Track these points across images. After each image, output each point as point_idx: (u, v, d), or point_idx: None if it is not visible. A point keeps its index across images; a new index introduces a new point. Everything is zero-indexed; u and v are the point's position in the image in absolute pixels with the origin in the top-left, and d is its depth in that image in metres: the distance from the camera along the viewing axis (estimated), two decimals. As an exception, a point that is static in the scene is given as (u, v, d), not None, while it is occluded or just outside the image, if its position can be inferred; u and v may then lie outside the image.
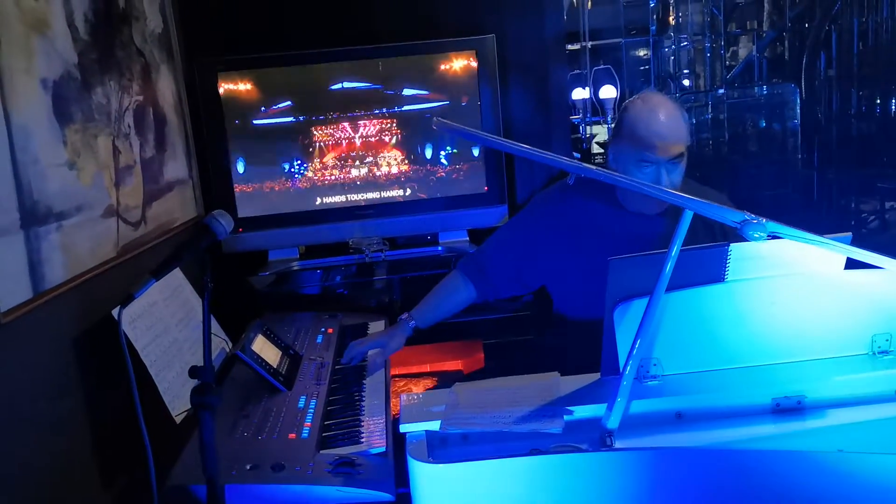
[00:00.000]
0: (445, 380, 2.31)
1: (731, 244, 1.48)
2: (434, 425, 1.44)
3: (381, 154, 2.83)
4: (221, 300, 2.03)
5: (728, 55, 6.86)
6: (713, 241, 1.62)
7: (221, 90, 2.69)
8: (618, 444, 1.37)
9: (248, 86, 2.72)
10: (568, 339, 2.05)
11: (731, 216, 1.44)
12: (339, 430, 1.62)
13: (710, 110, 5.78)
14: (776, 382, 1.48)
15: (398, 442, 1.47)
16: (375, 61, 2.76)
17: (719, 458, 1.28)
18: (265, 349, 1.84)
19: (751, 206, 1.49)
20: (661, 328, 1.50)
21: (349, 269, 2.79)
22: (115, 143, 1.92)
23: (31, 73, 1.54)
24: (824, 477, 1.24)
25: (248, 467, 1.41)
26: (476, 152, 2.84)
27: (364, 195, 2.83)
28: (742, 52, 7.10)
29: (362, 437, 1.58)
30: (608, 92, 5.89)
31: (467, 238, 2.87)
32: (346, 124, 2.79)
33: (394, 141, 2.82)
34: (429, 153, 2.84)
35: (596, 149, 6.23)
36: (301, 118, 2.77)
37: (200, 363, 1.28)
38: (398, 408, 1.54)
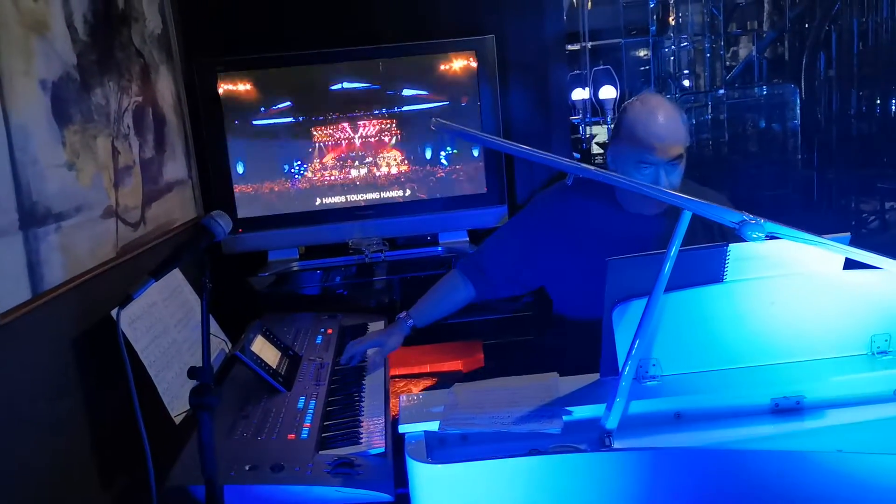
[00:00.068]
0: (445, 380, 2.31)
1: (730, 244, 1.48)
2: (433, 426, 1.44)
3: (381, 154, 2.83)
4: (221, 301, 2.03)
5: (728, 56, 6.86)
6: (712, 242, 1.62)
7: (221, 90, 2.69)
8: (617, 445, 1.37)
9: (248, 86, 2.72)
10: (567, 339, 2.05)
11: (729, 217, 1.45)
12: (339, 431, 1.62)
13: (710, 111, 5.78)
14: (775, 383, 1.48)
15: (397, 442, 1.47)
16: (375, 62, 2.76)
17: (718, 458, 1.28)
18: (265, 350, 1.84)
19: (751, 207, 1.49)
20: (660, 328, 1.50)
21: (349, 269, 2.79)
22: (114, 144, 1.92)
23: (31, 75, 1.54)
24: (823, 477, 1.24)
25: (247, 468, 1.41)
26: (476, 153, 2.84)
27: (364, 195, 2.83)
28: (742, 53, 7.10)
29: (361, 438, 1.58)
30: (608, 92, 5.89)
31: (467, 238, 2.87)
32: (345, 125, 2.79)
33: (393, 141, 2.82)
34: (428, 154, 2.84)
35: (596, 149, 6.23)
36: (301, 118, 2.77)
37: (200, 364, 1.28)
38: (397, 408, 1.55)
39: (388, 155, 2.83)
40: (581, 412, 1.46)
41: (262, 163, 2.76)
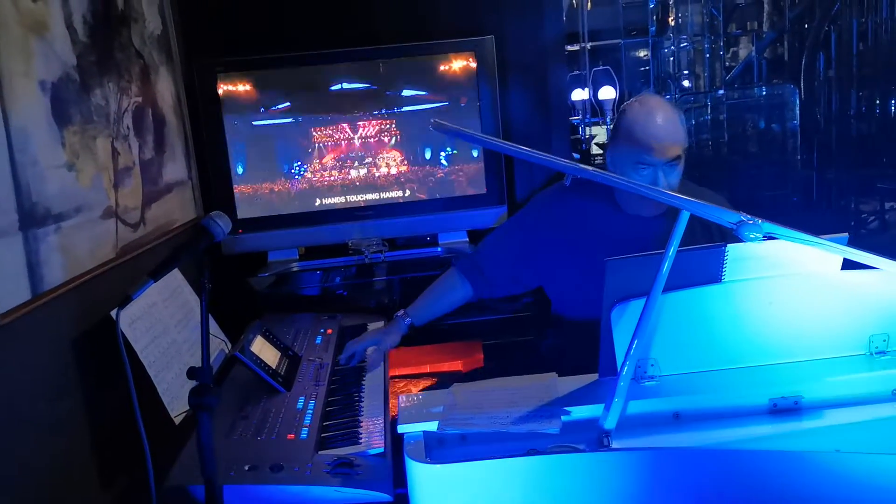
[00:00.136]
0: (445, 380, 2.31)
1: (728, 245, 1.49)
2: (432, 426, 1.45)
3: (381, 155, 2.83)
4: (221, 301, 2.04)
5: (728, 56, 6.86)
6: (711, 243, 1.62)
7: (220, 91, 2.69)
8: (615, 445, 1.38)
9: (248, 87, 2.72)
10: (566, 339, 2.05)
11: (727, 217, 1.45)
12: (338, 431, 1.62)
13: (709, 111, 5.78)
14: (773, 383, 1.48)
15: (397, 442, 1.48)
16: (375, 62, 2.76)
17: (716, 458, 1.28)
18: (264, 350, 1.84)
19: (751, 207, 1.49)
20: (659, 329, 1.50)
21: (349, 270, 2.79)
22: (113, 145, 1.92)
23: (30, 76, 1.54)
24: (821, 477, 1.24)
25: (246, 468, 1.41)
26: (475, 153, 2.85)
27: (363, 196, 2.83)
28: (742, 53, 7.10)
29: (361, 438, 1.58)
30: (607, 93, 5.88)
31: (467, 239, 2.87)
32: (345, 125, 2.79)
33: (393, 142, 2.82)
34: (428, 154, 2.84)
35: (595, 150, 6.22)
36: (300, 119, 2.78)
37: (199, 364, 1.28)
38: (397, 408, 1.55)
39: (388, 155, 2.83)
40: (579, 412, 1.46)
41: (262, 163, 2.77)
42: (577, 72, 6.34)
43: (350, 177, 2.82)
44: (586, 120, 6.17)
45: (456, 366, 2.46)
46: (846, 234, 1.46)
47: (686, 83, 6.96)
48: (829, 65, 5.79)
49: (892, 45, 5.48)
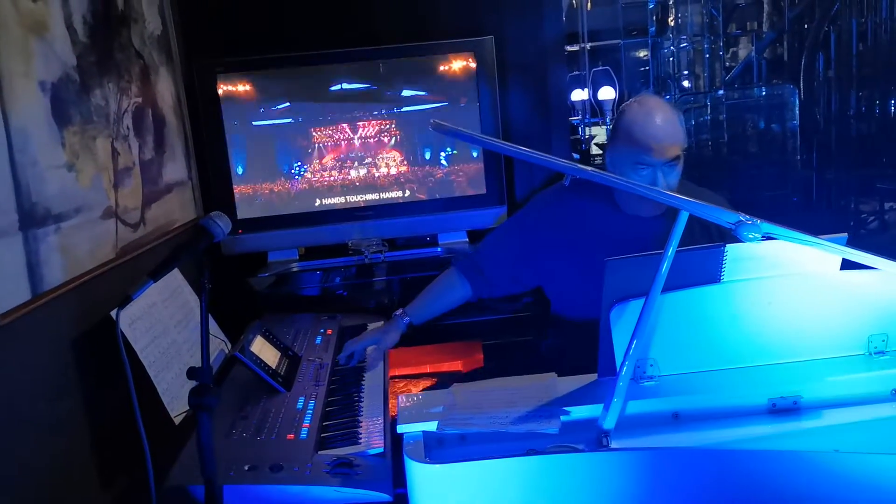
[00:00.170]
0: (445, 381, 2.31)
1: (727, 245, 1.49)
2: (431, 426, 1.45)
3: (381, 155, 2.83)
4: (221, 301, 2.04)
5: (727, 56, 6.86)
6: (710, 243, 1.62)
7: (220, 91, 2.70)
8: (614, 445, 1.38)
9: (248, 87, 2.73)
10: (565, 339, 2.05)
11: (725, 217, 1.45)
12: (338, 431, 1.62)
13: (709, 111, 5.78)
14: (772, 383, 1.48)
15: (396, 442, 1.48)
16: (375, 62, 2.77)
17: (716, 458, 1.28)
18: (264, 350, 1.84)
19: (750, 207, 1.49)
20: (658, 329, 1.50)
21: (348, 270, 2.80)
22: (113, 145, 1.92)
23: (30, 76, 1.54)
24: (820, 477, 1.24)
25: (246, 468, 1.41)
26: (475, 153, 2.85)
27: (363, 196, 2.83)
28: (741, 54, 7.10)
29: (360, 438, 1.58)
30: (607, 93, 5.88)
31: (466, 239, 2.87)
32: (345, 125, 2.80)
33: (393, 142, 2.82)
34: (428, 154, 2.84)
35: (595, 150, 6.23)
36: (300, 119, 2.78)
37: (199, 364, 1.28)
38: (397, 408, 1.55)
39: (388, 156, 2.83)
40: (579, 412, 1.46)
41: (262, 164, 2.77)
42: (577, 72, 6.34)
43: (350, 177, 2.82)
44: (586, 120, 6.18)
45: (456, 366, 2.46)
46: (845, 235, 1.47)
47: (686, 83, 6.96)
48: (829, 65, 5.79)
49: (892, 46, 5.48)
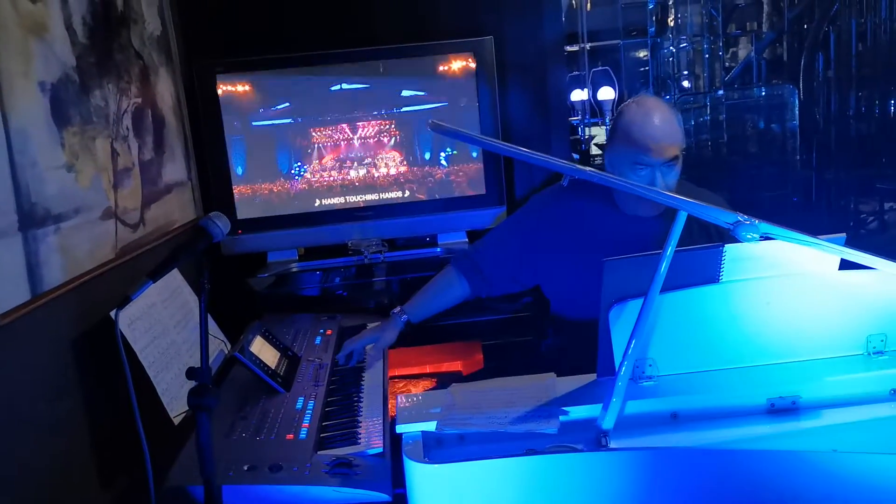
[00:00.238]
0: (445, 381, 2.31)
1: (726, 245, 1.49)
2: (430, 426, 1.45)
3: (380, 155, 2.83)
4: (220, 302, 2.04)
5: (727, 57, 6.86)
6: (709, 243, 1.62)
7: (220, 92, 2.70)
8: (613, 445, 1.38)
9: (247, 87, 2.73)
10: (565, 339, 2.05)
11: (724, 217, 1.45)
12: (337, 431, 1.63)
13: (709, 112, 5.78)
14: (771, 383, 1.48)
15: (395, 443, 1.48)
16: (374, 63, 2.77)
17: (714, 458, 1.28)
18: (264, 351, 1.84)
19: (750, 208, 1.49)
20: (657, 329, 1.51)
21: (348, 270, 2.80)
22: (113, 146, 1.92)
23: (29, 77, 1.55)
24: (819, 477, 1.24)
25: (245, 468, 1.42)
26: (475, 154, 2.85)
27: (363, 197, 2.83)
28: (741, 54, 7.10)
29: (360, 438, 1.58)
30: (607, 93, 5.88)
31: (466, 239, 2.87)
32: (344, 126, 2.80)
33: (392, 142, 2.82)
34: (427, 154, 2.84)
35: (594, 150, 6.23)
36: (300, 120, 2.78)
37: (199, 364, 1.29)
38: (396, 409, 1.55)
39: (387, 156, 2.84)
40: (578, 412, 1.46)
41: (262, 164, 2.77)
42: (577, 72, 6.34)
43: (349, 177, 2.82)
44: (585, 120, 6.18)
45: (456, 366, 2.46)
46: (843, 235, 1.47)
47: (685, 84, 6.96)
48: (829, 65, 5.78)
49: (892, 46, 5.47)
